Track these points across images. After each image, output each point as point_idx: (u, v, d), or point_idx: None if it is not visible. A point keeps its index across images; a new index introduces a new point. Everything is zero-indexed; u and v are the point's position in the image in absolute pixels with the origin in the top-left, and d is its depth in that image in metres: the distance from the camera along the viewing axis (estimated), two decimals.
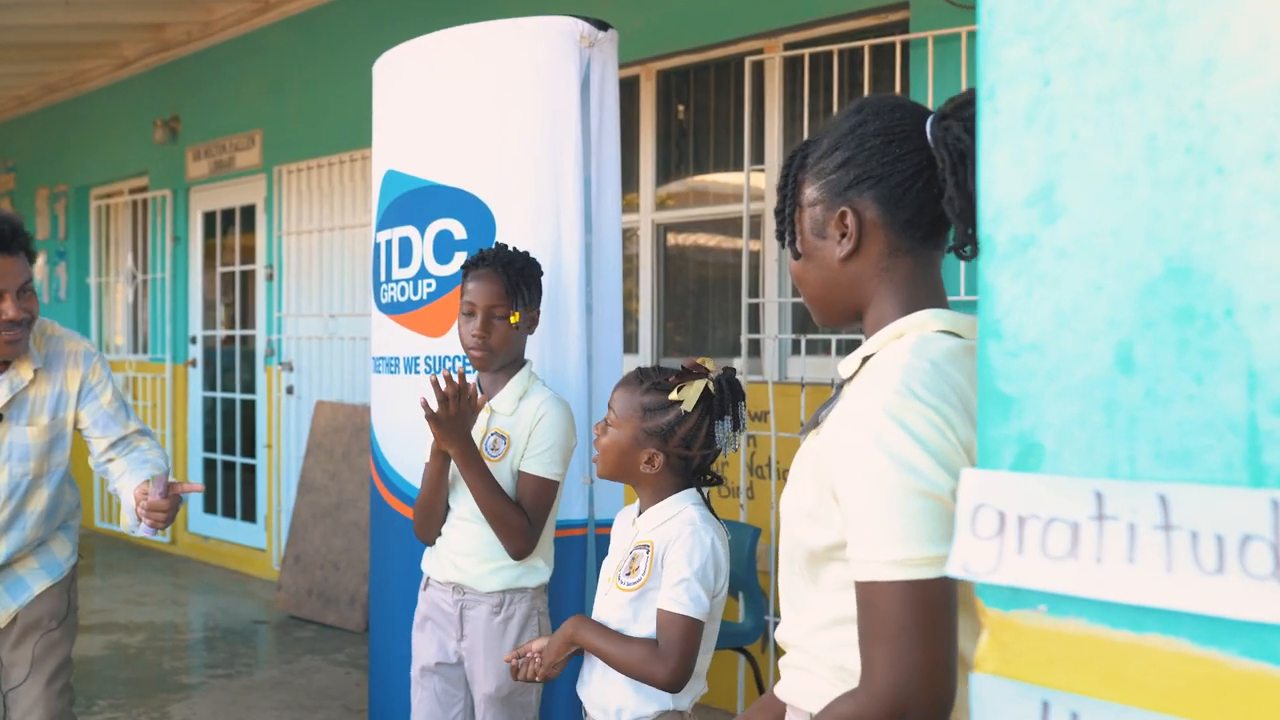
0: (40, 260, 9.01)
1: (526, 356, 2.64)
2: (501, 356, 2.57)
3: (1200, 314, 0.74)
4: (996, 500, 0.85)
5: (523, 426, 2.51)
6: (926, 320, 1.35)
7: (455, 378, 2.42)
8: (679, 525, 1.98)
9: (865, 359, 1.37)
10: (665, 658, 1.91)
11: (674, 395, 2.01)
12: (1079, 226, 0.80)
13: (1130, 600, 0.78)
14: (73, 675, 2.88)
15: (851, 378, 1.38)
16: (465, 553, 2.54)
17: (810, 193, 1.41)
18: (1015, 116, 0.80)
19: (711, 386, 2.01)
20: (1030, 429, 0.83)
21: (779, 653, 1.48)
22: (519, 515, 2.47)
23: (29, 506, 2.77)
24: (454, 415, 2.41)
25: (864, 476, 1.22)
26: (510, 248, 2.62)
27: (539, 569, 2.53)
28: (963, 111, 1.30)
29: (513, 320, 2.53)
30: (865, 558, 1.22)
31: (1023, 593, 0.84)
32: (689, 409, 2.00)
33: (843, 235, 1.38)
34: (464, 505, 2.55)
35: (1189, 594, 0.75)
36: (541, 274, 2.64)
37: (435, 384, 2.41)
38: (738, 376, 2.08)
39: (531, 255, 2.63)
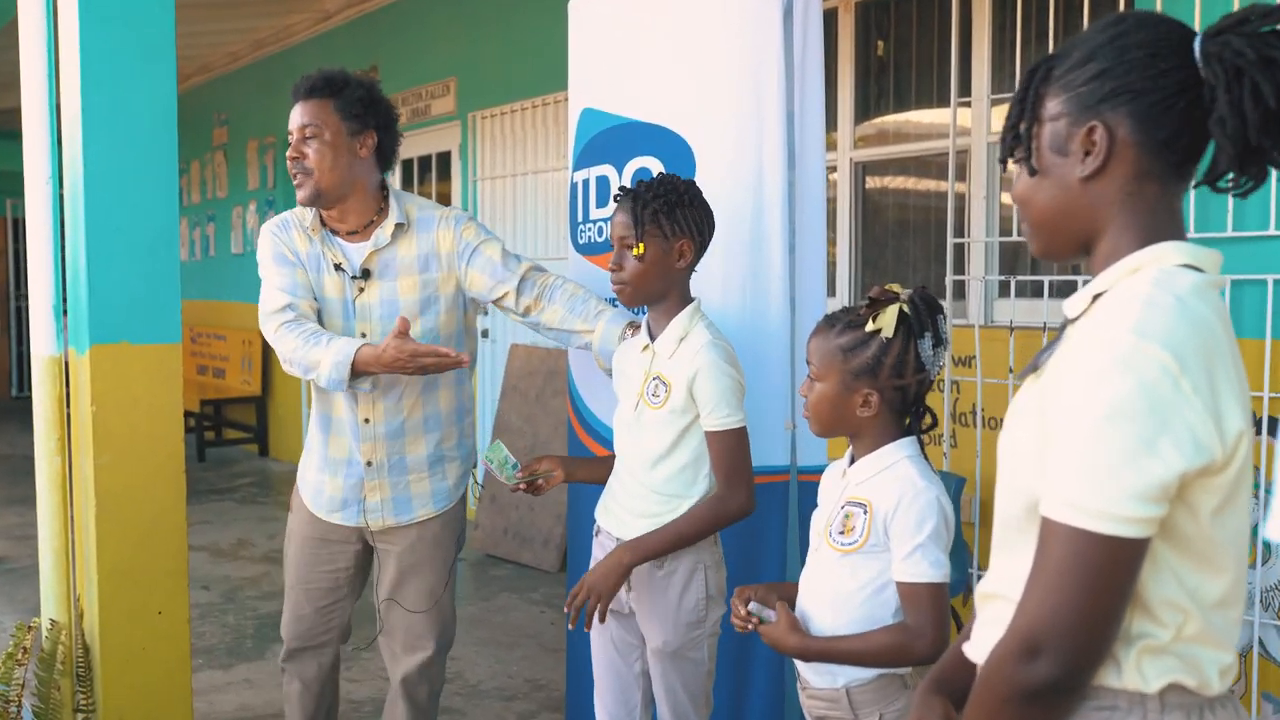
0: (251, 208, 9.42)
1: (695, 295, 2.48)
2: (640, 292, 2.42)
3: None
4: None
5: (681, 374, 2.37)
6: (1166, 253, 1.25)
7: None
8: (899, 487, 1.88)
9: (1095, 297, 1.27)
10: (921, 631, 1.82)
11: (870, 326, 1.90)
12: None
13: None
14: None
15: (1077, 317, 1.29)
16: (624, 505, 2.48)
17: (1054, 106, 1.31)
18: None
19: (906, 308, 1.90)
20: None
21: None
22: (709, 506, 2.37)
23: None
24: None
25: (1078, 418, 1.16)
26: (662, 177, 2.45)
27: None
28: (1245, 26, 1.21)
29: (635, 253, 2.37)
30: (1053, 494, 1.19)
31: None
32: (889, 335, 1.89)
33: (1087, 152, 1.28)
34: (623, 458, 2.50)
35: None
36: (692, 203, 2.40)
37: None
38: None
39: (682, 183, 2.43)
